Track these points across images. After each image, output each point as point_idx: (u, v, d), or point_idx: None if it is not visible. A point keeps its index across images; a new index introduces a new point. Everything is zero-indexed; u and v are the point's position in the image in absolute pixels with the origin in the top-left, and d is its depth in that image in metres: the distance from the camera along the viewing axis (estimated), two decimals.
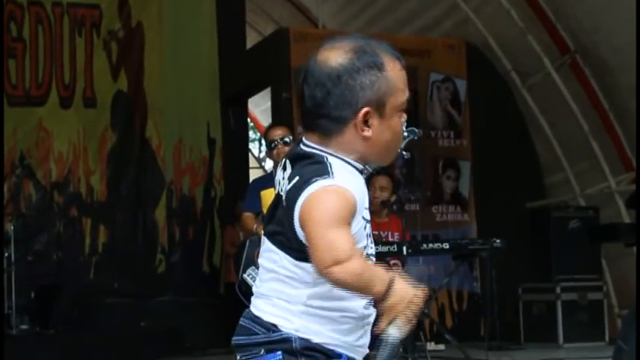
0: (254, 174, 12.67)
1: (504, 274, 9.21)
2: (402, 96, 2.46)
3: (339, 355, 2.44)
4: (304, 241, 2.33)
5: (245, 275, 6.30)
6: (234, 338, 2.55)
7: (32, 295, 10.06)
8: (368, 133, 2.41)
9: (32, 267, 10.39)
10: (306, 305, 2.40)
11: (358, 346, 2.48)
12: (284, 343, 2.43)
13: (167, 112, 11.76)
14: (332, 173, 2.34)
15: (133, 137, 11.68)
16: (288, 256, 2.40)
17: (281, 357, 2.43)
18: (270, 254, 2.45)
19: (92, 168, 11.48)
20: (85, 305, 10.62)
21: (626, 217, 10.01)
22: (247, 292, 6.31)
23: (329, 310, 2.41)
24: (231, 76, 11.82)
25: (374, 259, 2.49)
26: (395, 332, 2.32)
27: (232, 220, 10.45)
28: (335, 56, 2.41)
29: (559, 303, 9.89)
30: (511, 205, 10.75)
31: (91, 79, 11.55)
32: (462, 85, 11.09)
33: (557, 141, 10.96)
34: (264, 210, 6.53)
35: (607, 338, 9.78)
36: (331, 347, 2.43)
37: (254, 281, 6.22)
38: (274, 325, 2.44)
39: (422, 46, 11.13)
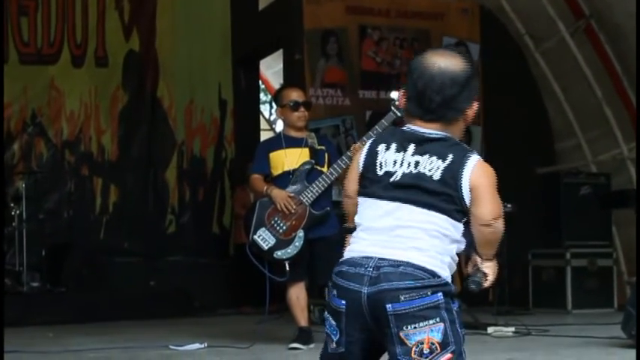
0: (265, 135, 12.65)
1: (514, 239, 9.17)
2: None
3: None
4: (468, 203, 2.91)
5: (255, 237, 6.30)
6: (392, 284, 2.84)
7: (43, 253, 10.12)
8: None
9: (43, 225, 10.44)
10: (452, 258, 2.93)
11: None
12: (445, 286, 2.86)
13: (179, 72, 11.76)
14: (473, 151, 2.96)
15: (145, 97, 11.69)
16: (449, 218, 2.90)
17: (442, 297, 2.84)
18: (425, 217, 2.90)
19: (103, 127, 11.51)
20: (95, 264, 10.69)
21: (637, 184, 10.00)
22: (258, 253, 6.33)
23: (455, 263, 2.96)
24: (244, 37, 11.80)
25: None
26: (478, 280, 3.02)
27: (243, 181, 10.46)
28: (457, 62, 2.97)
29: (568, 269, 9.90)
30: (522, 171, 10.73)
31: (102, 38, 11.55)
32: (474, 49, 11.03)
33: (569, 106, 10.93)
34: (273, 171, 6.53)
35: (616, 305, 9.81)
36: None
37: (264, 242, 6.29)
38: (433, 272, 2.86)
39: (435, 9, 11.08)
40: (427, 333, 2.79)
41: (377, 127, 6.21)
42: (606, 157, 10.62)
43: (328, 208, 6.39)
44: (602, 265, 10.06)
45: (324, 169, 6.38)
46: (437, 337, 2.79)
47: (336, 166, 6.27)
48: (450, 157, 2.90)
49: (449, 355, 2.79)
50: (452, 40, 11.01)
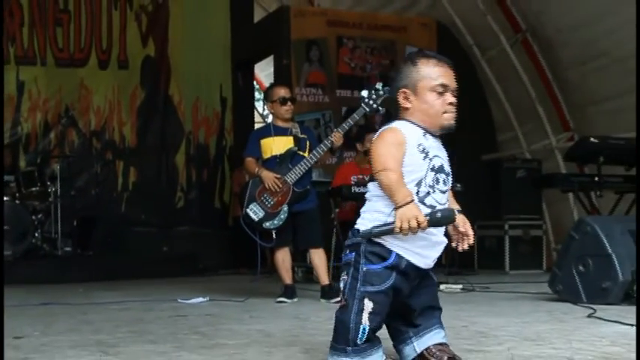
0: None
1: (463, 213, 9.24)
2: (432, 81, 2.96)
3: (390, 252, 2.85)
4: None
5: (248, 210, 6.31)
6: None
7: (75, 223, 10.12)
8: (407, 105, 2.97)
9: (74, 200, 10.43)
10: (385, 214, 2.83)
11: (418, 253, 2.89)
12: (357, 246, 2.88)
13: (187, 74, 11.74)
14: (391, 124, 2.95)
15: (159, 94, 11.67)
16: (371, 182, 2.91)
17: (353, 256, 2.88)
18: (368, 188, 2.95)
19: (124, 120, 11.49)
20: (118, 233, 10.68)
21: (563, 169, 10.07)
22: (250, 223, 6.34)
23: (383, 215, 2.85)
24: (241, 45, 11.78)
25: (442, 191, 2.95)
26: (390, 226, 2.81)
27: (240, 164, 10.48)
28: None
29: (507, 238, 9.97)
30: (470, 158, 10.76)
31: (124, 45, 11.52)
32: None
33: (509, 105, 10.97)
34: (263, 155, 6.53)
35: (544, 267, 9.88)
36: (388, 246, 2.86)
37: (255, 215, 6.30)
38: (357, 230, 2.90)
39: (400, 23, 11.09)
40: (341, 283, 2.92)
41: (349, 119, 6.23)
42: (538, 146, 10.67)
43: (308, 187, 6.39)
44: (534, 234, 10.13)
45: (306, 154, 6.39)
46: (342, 287, 2.90)
47: (315, 152, 6.28)
48: None
49: (343, 302, 2.87)
50: (413, 49, 11.02)
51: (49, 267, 9.24)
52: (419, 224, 2.74)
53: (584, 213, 8.30)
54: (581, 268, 5.53)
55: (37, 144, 11.00)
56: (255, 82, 14.37)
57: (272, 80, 11.59)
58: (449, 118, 3.01)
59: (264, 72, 15.19)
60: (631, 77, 8.72)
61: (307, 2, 13.28)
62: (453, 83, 3.02)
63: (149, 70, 11.62)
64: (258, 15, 12.73)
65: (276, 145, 6.41)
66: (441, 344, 2.97)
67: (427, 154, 2.92)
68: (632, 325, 4.14)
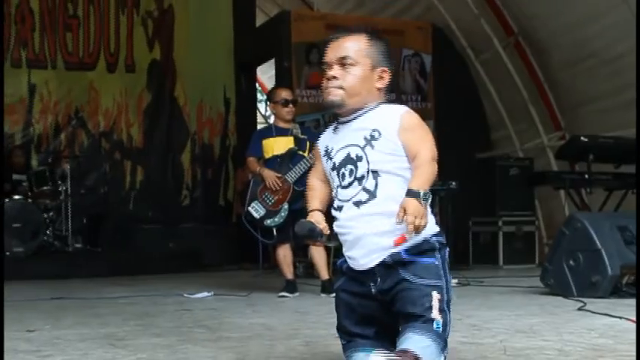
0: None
1: (458, 210, 9.26)
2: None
3: (344, 261, 2.62)
4: None
5: (249, 208, 6.32)
6: None
7: (84, 220, 10.14)
8: None
9: (84, 199, 10.45)
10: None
11: (349, 257, 2.60)
12: None
13: (192, 77, 11.74)
14: None
15: (164, 97, 11.68)
16: None
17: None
18: None
19: (132, 121, 11.50)
20: (126, 229, 10.69)
21: (555, 166, 10.07)
22: (252, 220, 6.35)
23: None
24: (243, 48, 11.79)
25: (343, 186, 2.59)
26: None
27: (243, 164, 10.49)
28: None
29: (500, 233, 9.96)
30: (465, 156, 10.75)
31: (131, 49, 11.53)
32: (428, 59, 11.06)
33: (502, 105, 10.97)
34: (265, 155, 6.53)
35: (537, 261, 9.88)
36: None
37: (256, 212, 6.31)
38: None
39: (397, 26, 11.07)
40: None
41: None
42: (530, 145, 10.67)
43: None
44: (526, 230, 10.11)
45: (306, 154, 6.40)
46: None
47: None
48: None
49: None
50: (410, 52, 11.02)
51: (60, 263, 9.25)
52: None
53: (574, 209, 8.30)
54: (571, 262, 5.55)
55: (49, 144, 11.02)
56: (257, 84, 14.38)
57: (273, 82, 11.60)
58: (326, 94, 2.56)
59: (266, 74, 15.17)
60: (619, 78, 8.75)
61: (307, 7, 13.28)
62: (336, 54, 2.54)
63: (155, 73, 11.63)
64: (259, 19, 12.73)
65: (277, 145, 6.42)
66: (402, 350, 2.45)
67: (329, 154, 2.62)
68: (620, 317, 4.15)
